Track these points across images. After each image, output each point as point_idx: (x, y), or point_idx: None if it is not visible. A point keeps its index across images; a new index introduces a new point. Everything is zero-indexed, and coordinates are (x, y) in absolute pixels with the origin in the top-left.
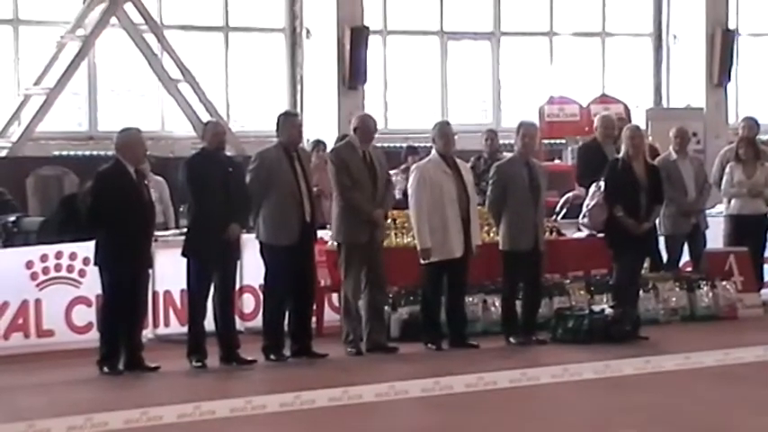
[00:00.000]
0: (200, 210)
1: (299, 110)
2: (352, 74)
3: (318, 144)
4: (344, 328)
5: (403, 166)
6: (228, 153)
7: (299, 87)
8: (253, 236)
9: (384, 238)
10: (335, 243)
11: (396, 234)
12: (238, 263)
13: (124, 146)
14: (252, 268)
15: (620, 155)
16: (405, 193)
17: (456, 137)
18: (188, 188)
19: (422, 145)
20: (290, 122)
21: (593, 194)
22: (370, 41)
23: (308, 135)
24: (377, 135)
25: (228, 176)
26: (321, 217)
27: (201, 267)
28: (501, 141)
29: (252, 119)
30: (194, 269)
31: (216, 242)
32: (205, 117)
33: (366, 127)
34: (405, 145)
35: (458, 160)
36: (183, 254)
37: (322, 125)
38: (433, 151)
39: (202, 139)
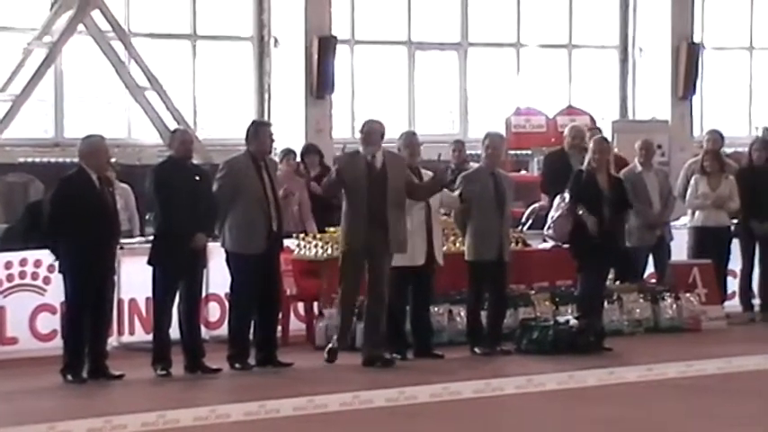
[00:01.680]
0: (166, 218)
1: (266, 118)
2: (320, 83)
3: (289, 153)
4: (339, 330)
5: None
6: (195, 161)
7: (266, 96)
8: (218, 244)
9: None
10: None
11: None
12: (204, 271)
13: (87, 153)
14: (217, 277)
15: (584, 166)
16: None
17: (422, 147)
18: (154, 196)
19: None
20: (262, 132)
21: (558, 206)
22: (337, 51)
23: (276, 144)
24: (343, 145)
25: (195, 185)
26: (288, 225)
27: (167, 276)
28: (468, 152)
29: (219, 127)
30: (160, 277)
31: (182, 251)
32: (172, 125)
33: (369, 130)
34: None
35: (422, 170)
36: (149, 262)
37: (289, 134)
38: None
39: (170, 147)
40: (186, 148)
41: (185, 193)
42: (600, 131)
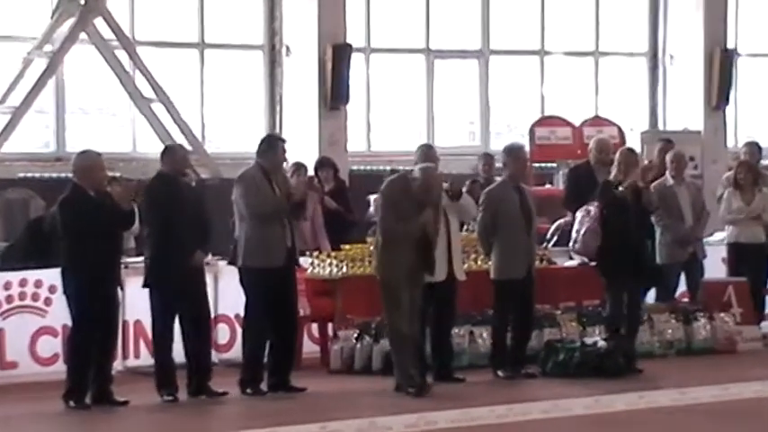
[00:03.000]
0: (160, 237)
1: (277, 130)
2: (334, 93)
3: (300, 167)
4: (397, 367)
5: None
6: (204, 175)
7: (277, 107)
8: (225, 262)
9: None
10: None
11: (370, 262)
12: (206, 290)
13: (81, 170)
14: (227, 297)
15: (612, 177)
16: None
17: (441, 160)
18: (147, 215)
19: (406, 168)
20: (277, 147)
21: (582, 219)
22: (352, 60)
23: (288, 157)
24: (359, 159)
25: (188, 202)
26: (301, 242)
27: (164, 297)
28: None
29: (228, 140)
30: (157, 299)
31: (178, 271)
32: (179, 138)
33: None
34: (388, 168)
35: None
36: (145, 284)
37: (302, 147)
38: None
39: (162, 163)
40: (180, 166)
41: (179, 212)
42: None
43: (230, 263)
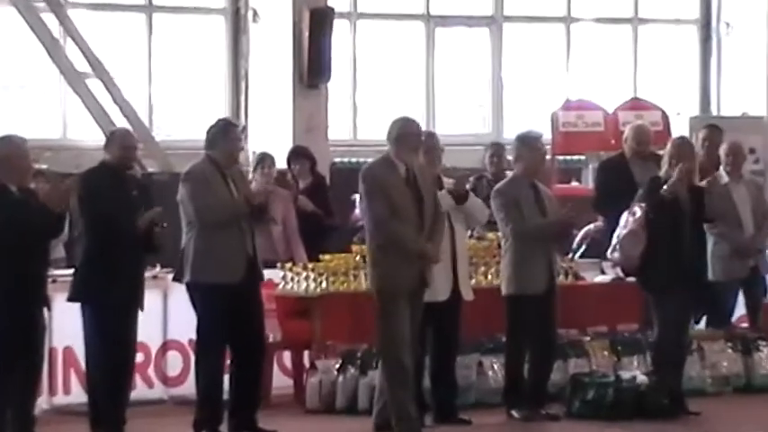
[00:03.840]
0: (96, 242)
1: (242, 114)
2: (312, 68)
3: (264, 159)
4: (394, 406)
5: None
6: (152, 169)
7: (242, 85)
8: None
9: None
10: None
11: (355, 276)
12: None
13: (1, 160)
14: (178, 319)
15: (662, 173)
16: None
17: (444, 151)
18: (80, 213)
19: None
20: (228, 134)
21: (627, 222)
22: (335, 27)
23: (254, 147)
24: (342, 149)
25: (134, 201)
26: (269, 251)
27: (100, 315)
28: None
29: (182, 125)
30: (90, 319)
31: (117, 282)
32: (120, 122)
33: (409, 133)
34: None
35: (445, 180)
36: (71, 298)
37: (272, 134)
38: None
39: (105, 151)
40: (126, 155)
41: (125, 210)
42: (669, 135)
43: (176, 278)
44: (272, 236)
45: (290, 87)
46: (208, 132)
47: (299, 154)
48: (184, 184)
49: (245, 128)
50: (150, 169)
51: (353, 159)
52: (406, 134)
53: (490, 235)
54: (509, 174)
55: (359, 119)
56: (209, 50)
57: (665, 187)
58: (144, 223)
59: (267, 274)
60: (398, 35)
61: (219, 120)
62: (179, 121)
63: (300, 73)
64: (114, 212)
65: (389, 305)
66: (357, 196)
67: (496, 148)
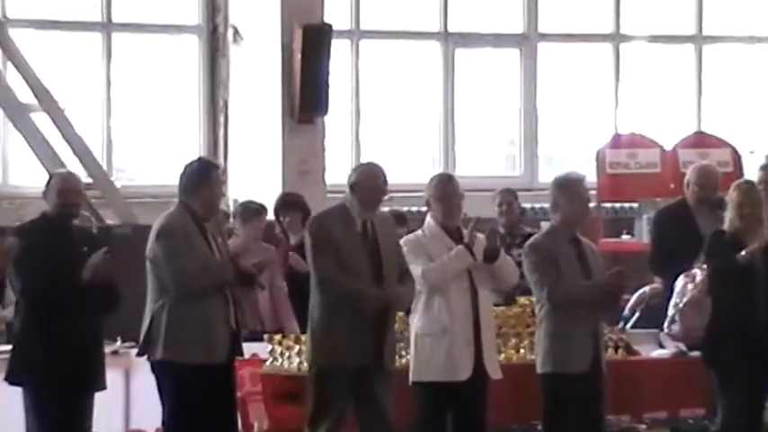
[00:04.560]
0: (33, 310)
1: (220, 154)
2: (306, 98)
3: (249, 210)
4: None
5: None
6: (111, 221)
7: (221, 119)
8: (133, 351)
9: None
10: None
11: None
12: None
13: None
14: (144, 405)
15: (726, 225)
16: None
17: (464, 198)
18: (20, 274)
19: (412, 209)
20: (209, 178)
21: (684, 288)
22: (333, 48)
23: (235, 194)
24: (341, 195)
25: (83, 258)
26: (255, 321)
27: (40, 400)
28: (537, 204)
29: (147, 168)
30: (29, 403)
31: (62, 360)
32: (72, 164)
33: (366, 188)
34: (386, 209)
35: (464, 232)
36: (8, 378)
37: (256, 179)
38: (429, 219)
39: (45, 199)
40: (67, 202)
41: (63, 271)
42: (741, 176)
43: (141, 353)
44: (258, 303)
45: (278, 122)
46: (183, 175)
47: (289, 203)
48: (160, 240)
49: (224, 170)
50: (108, 221)
51: None
52: (363, 188)
53: (522, 300)
54: (544, 226)
55: (363, 156)
56: (181, 77)
57: (742, 253)
58: (89, 273)
59: (251, 348)
60: (410, 57)
61: (197, 159)
62: (144, 163)
63: (291, 104)
64: (53, 273)
65: (324, 387)
66: None
67: (504, 195)
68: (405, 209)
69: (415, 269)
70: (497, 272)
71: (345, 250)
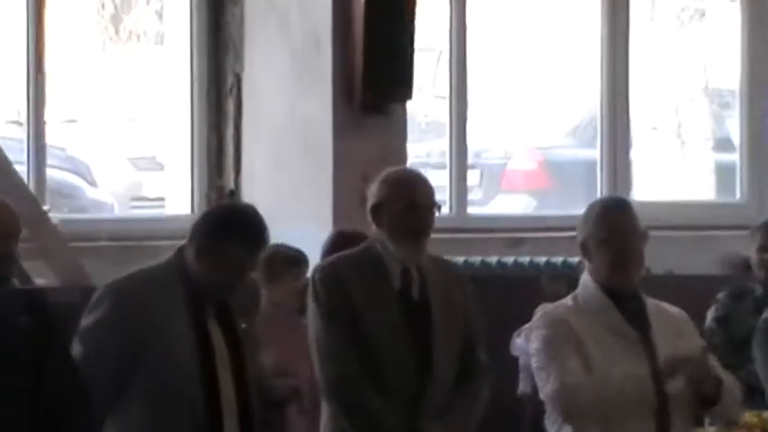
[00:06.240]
0: None
1: (228, 164)
2: (374, 76)
3: (286, 262)
4: None
5: None
6: (40, 280)
7: (229, 136)
8: None
9: None
10: None
11: None
12: None
13: None
14: None
15: None
16: None
17: (648, 239)
18: None
19: (556, 260)
20: (230, 239)
21: None
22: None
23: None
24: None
25: (25, 332)
26: None
27: None
28: None
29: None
30: None
31: None
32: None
33: (403, 197)
34: (509, 260)
35: (651, 304)
36: None
37: (286, 207)
38: (586, 277)
39: None
40: None
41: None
42: None
43: None
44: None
45: (327, 112)
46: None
47: (345, 242)
48: (95, 308)
49: (233, 192)
50: (38, 280)
51: (460, 257)
52: (393, 210)
53: (748, 417)
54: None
55: (471, 173)
56: (170, 81)
57: None
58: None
59: None
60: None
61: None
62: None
63: (349, 85)
64: None
65: None
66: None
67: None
68: (509, 260)
69: (546, 383)
70: (719, 413)
71: (372, 324)
